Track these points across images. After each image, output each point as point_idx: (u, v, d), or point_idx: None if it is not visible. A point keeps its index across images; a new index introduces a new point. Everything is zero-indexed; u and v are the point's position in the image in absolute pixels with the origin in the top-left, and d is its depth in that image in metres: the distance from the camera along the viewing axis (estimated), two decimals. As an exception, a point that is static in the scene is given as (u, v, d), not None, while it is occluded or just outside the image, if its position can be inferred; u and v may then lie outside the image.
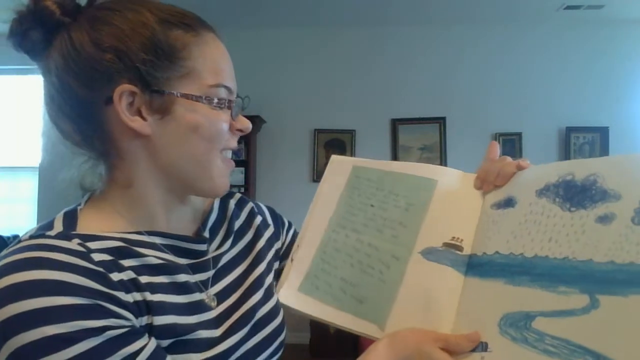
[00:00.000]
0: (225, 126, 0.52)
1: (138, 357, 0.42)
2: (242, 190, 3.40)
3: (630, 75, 3.41)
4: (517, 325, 0.45)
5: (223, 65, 0.52)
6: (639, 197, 0.42)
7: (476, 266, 0.52)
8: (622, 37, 3.41)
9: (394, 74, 3.57)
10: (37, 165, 3.63)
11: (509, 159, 0.56)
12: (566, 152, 3.39)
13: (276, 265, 0.69)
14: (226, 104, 0.52)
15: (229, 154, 0.56)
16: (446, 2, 3.18)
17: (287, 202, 3.14)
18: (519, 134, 3.42)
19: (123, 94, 0.47)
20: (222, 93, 0.52)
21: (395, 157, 3.51)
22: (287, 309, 0.60)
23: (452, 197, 0.57)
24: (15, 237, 3.20)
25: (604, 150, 3.34)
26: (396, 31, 3.57)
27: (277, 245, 0.69)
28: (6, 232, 3.26)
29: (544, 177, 0.51)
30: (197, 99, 0.49)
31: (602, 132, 3.35)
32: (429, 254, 0.55)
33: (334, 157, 0.69)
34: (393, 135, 3.55)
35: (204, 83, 0.50)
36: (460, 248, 0.54)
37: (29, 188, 3.70)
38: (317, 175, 3.53)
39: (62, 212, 0.50)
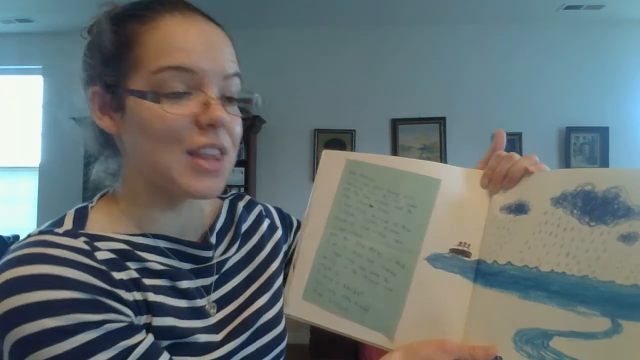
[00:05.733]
0: (178, 122, 0.45)
1: (136, 350, 0.43)
2: (242, 190, 3.40)
3: (630, 75, 3.40)
4: (534, 342, 0.44)
5: (179, 46, 0.46)
6: None
7: (486, 275, 0.50)
8: (622, 37, 3.41)
9: (394, 74, 3.57)
10: (37, 165, 3.63)
11: (517, 156, 0.52)
12: (566, 152, 3.39)
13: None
14: (177, 95, 0.46)
15: (210, 151, 0.48)
16: (446, 2, 3.18)
17: (287, 202, 3.14)
18: (519, 134, 3.42)
19: (94, 95, 0.49)
20: (174, 79, 0.46)
21: (395, 157, 3.50)
22: (292, 318, 0.58)
23: (457, 198, 0.55)
24: (16, 237, 3.21)
25: (604, 150, 3.34)
26: (396, 31, 3.56)
27: (285, 247, 0.68)
28: (6, 232, 3.25)
29: (561, 185, 0.47)
30: (140, 94, 0.46)
31: (602, 132, 3.35)
32: (436, 260, 0.52)
33: (326, 152, 0.64)
34: (393, 135, 3.55)
35: (147, 70, 0.46)
36: (467, 254, 0.52)
37: (29, 188, 3.69)
38: (317, 175, 3.52)
39: (73, 209, 0.50)
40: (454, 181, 0.56)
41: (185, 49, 0.46)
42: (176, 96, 0.46)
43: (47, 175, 3.60)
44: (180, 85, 0.46)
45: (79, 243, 0.44)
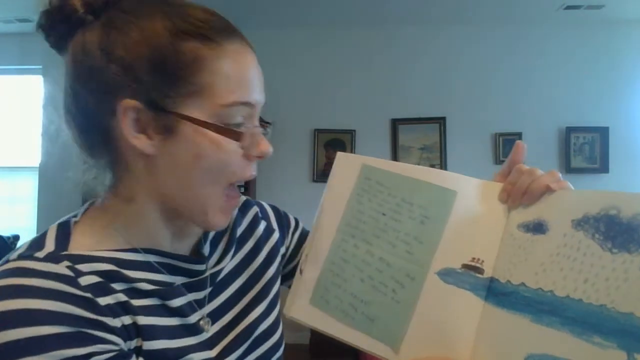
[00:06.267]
0: (234, 156, 0.47)
1: None
2: (242, 190, 3.40)
3: (630, 75, 3.40)
4: None
5: (245, 79, 0.47)
6: None
7: (498, 294, 0.48)
8: (622, 37, 3.40)
9: (394, 74, 3.56)
10: (37, 165, 3.63)
11: (538, 172, 0.50)
12: (566, 152, 3.38)
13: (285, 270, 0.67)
14: (240, 128, 0.46)
15: (236, 188, 0.51)
16: (446, 2, 3.18)
17: (287, 202, 3.14)
18: (519, 134, 3.41)
19: (128, 109, 0.44)
20: (238, 113, 0.46)
21: (395, 157, 3.50)
22: (298, 322, 0.58)
23: (473, 212, 0.53)
24: (16, 237, 3.20)
25: (604, 150, 3.34)
26: (396, 31, 3.56)
27: (283, 250, 0.66)
28: (6, 232, 3.25)
29: (584, 207, 0.45)
30: (204, 124, 0.44)
31: (602, 132, 3.35)
32: (447, 275, 0.51)
33: (341, 154, 0.62)
34: (393, 135, 3.54)
35: (216, 102, 0.45)
36: (480, 270, 0.50)
37: (29, 188, 3.69)
38: (317, 175, 3.52)
39: (55, 225, 0.48)
40: (471, 193, 0.54)
41: (252, 84, 0.47)
42: (236, 128, 0.46)
43: (47, 175, 3.60)
44: (240, 118, 0.47)
45: (62, 269, 0.41)
